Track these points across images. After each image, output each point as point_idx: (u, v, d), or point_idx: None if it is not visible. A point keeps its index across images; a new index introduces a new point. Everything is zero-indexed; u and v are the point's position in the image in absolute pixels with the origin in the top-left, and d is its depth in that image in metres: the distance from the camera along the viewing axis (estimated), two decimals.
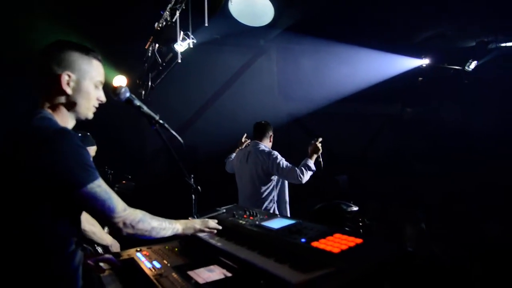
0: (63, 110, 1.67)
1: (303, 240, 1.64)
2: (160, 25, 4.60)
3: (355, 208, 2.64)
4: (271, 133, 4.32)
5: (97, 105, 1.77)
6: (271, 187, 4.08)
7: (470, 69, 7.43)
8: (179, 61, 4.38)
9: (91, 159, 1.53)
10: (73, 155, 1.46)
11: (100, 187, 1.51)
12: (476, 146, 7.34)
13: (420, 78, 8.00)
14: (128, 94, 1.76)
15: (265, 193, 4.04)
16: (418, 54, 7.41)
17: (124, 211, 1.60)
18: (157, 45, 4.88)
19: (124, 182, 4.74)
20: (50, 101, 1.65)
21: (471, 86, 7.54)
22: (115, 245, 2.93)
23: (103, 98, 1.77)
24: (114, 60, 5.60)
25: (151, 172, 6.66)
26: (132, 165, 5.86)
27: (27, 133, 1.49)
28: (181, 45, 4.39)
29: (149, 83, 5.12)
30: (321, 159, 3.75)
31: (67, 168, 1.44)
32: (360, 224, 2.57)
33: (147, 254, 2.24)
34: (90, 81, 1.70)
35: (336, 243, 1.54)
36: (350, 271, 1.34)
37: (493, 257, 4.06)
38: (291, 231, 1.78)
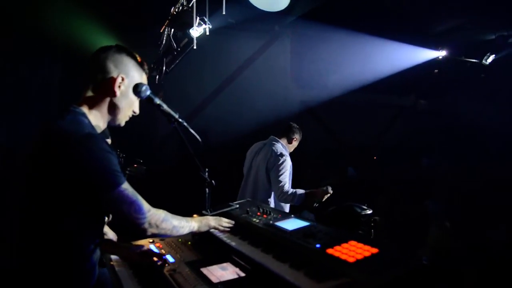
0: (102, 110, 1.70)
1: (318, 245, 1.65)
2: (177, 9, 4.54)
3: (369, 212, 2.64)
4: (294, 136, 4.18)
5: (131, 116, 1.83)
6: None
7: (487, 63, 7.28)
8: (195, 47, 4.34)
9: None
10: (101, 160, 1.49)
11: (127, 190, 1.55)
12: (490, 142, 7.25)
13: (436, 70, 7.87)
14: (148, 92, 1.77)
15: (268, 189, 3.99)
16: (435, 46, 7.27)
17: (149, 212, 1.63)
18: (172, 29, 4.83)
19: (135, 166, 4.76)
20: (93, 99, 1.68)
21: (487, 80, 7.41)
22: (111, 234, 2.96)
23: (137, 111, 1.83)
24: (128, 42, 5.60)
25: (162, 156, 6.71)
26: (143, 149, 5.90)
27: (57, 135, 1.52)
28: (197, 31, 4.34)
29: (164, 68, 5.10)
30: (316, 204, 3.68)
31: (95, 173, 1.48)
32: (372, 224, 2.58)
33: (160, 246, 2.27)
34: None
35: (351, 251, 1.55)
36: (365, 283, 1.35)
37: (491, 264, 4.02)
38: (306, 235, 1.79)
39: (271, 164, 3.91)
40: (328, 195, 3.62)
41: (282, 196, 3.72)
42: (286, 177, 3.84)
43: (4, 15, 5.33)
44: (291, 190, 3.72)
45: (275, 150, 3.99)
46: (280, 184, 3.76)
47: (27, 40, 5.75)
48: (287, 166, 3.90)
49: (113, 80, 1.67)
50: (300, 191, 3.71)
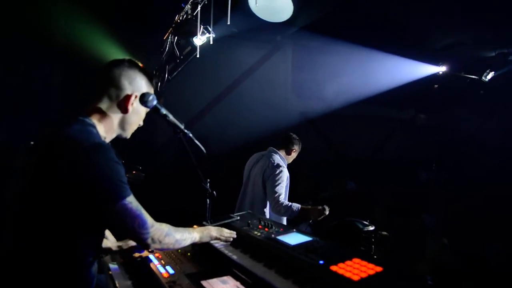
0: (112, 123, 1.71)
1: (321, 262, 1.63)
2: (181, 18, 4.56)
3: (371, 228, 2.62)
4: (294, 148, 4.10)
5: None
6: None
7: (486, 80, 7.32)
8: (198, 56, 4.35)
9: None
10: (108, 170, 1.46)
11: (131, 203, 1.51)
12: (488, 157, 7.26)
13: (436, 85, 7.91)
14: (155, 102, 1.76)
15: (264, 200, 3.93)
16: (435, 61, 7.32)
17: (152, 227, 1.60)
18: (175, 37, 4.84)
19: (134, 172, 4.74)
20: (103, 111, 1.68)
21: (486, 96, 7.45)
22: (112, 239, 2.95)
23: (142, 124, 1.86)
24: (131, 47, 5.63)
25: (161, 162, 6.68)
26: (143, 155, 5.88)
27: (65, 143, 1.49)
28: (200, 39, 4.36)
29: (166, 75, 5.11)
30: (311, 221, 3.54)
31: (101, 182, 1.44)
32: (373, 240, 2.57)
33: (160, 256, 2.24)
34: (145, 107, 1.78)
35: (355, 269, 1.53)
36: None
37: (489, 277, 4.00)
38: (308, 250, 1.77)
39: (267, 175, 3.86)
40: (324, 216, 3.48)
41: (277, 208, 3.64)
42: (282, 188, 3.77)
43: (4, 15, 5.35)
44: (286, 203, 3.64)
45: (272, 161, 3.93)
46: (275, 195, 3.69)
47: (27, 40, 5.76)
48: (284, 177, 3.83)
49: (128, 97, 1.70)
50: (296, 205, 3.61)
